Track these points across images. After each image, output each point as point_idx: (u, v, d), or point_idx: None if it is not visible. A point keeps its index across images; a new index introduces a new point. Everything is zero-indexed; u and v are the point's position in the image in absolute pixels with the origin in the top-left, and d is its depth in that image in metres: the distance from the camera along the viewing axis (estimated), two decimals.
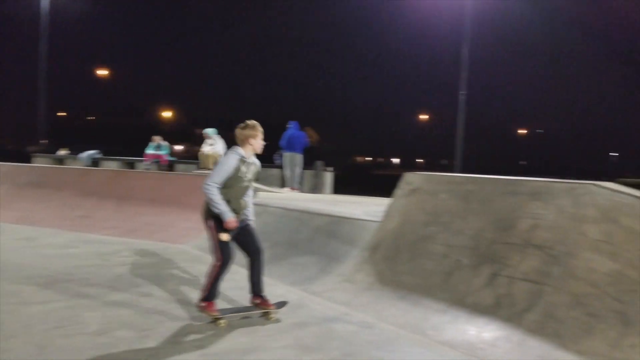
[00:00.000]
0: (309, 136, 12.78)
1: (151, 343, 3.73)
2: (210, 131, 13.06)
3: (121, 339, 3.78)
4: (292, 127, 12.54)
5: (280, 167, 13.08)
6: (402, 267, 5.10)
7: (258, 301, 4.35)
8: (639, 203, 3.93)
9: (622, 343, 3.33)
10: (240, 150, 4.18)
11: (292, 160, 12.46)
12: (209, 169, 12.49)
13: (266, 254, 6.56)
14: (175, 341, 3.78)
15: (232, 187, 4.10)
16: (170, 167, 15.03)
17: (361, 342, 3.88)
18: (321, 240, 6.42)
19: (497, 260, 4.41)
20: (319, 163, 13.38)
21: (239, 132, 4.22)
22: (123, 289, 5.17)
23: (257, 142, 4.23)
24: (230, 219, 4.02)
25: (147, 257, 6.81)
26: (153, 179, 10.19)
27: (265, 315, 4.35)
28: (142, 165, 15.10)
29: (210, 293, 4.10)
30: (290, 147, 12.46)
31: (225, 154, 4.21)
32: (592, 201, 4.17)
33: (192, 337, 3.89)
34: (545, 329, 3.68)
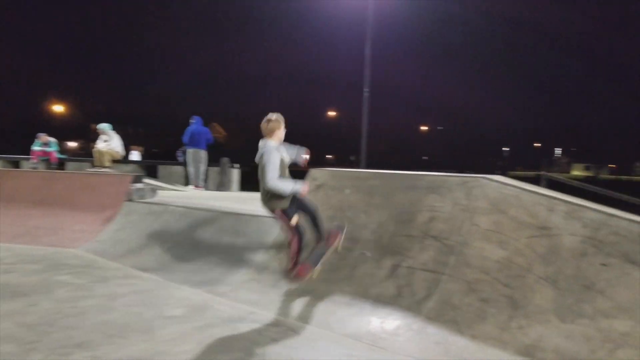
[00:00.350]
0: (215, 132, 12.49)
1: (37, 356, 3.40)
2: (104, 126, 12.30)
3: (2, 354, 3.41)
4: (195, 123, 12.17)
5: (183, 164, 12.65)
6: None
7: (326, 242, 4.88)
8: (524, 195, 4.25)
9: (511, 325, 3.58)
10: (271, 142, 4.59)
11: (196, 157, 12.09)
12: (104, 167, 11.77)
13: (167, 256, 6.35)
14: (64, 352, 3.49)
15: (283, 176, 4.56)
16: (61, 165, 13.96)
17: (267, 341, 3.83)
18: (227, 239, 6.27)
19: (398, 252, 4.57)
20: (225, 160, 13.12)
21: (264, 126, 4.64)
22: (5, 300, 4.68)
23: (282, 132, 4.69)
24: (302, 187, 4.55)
25: (34, 264, 6.23)
26: (40, 179, 9.33)
27: (335, 250, 4.82)
28: (29, 164, 13.89)
29: (297, 261, 4.58)
30: (194, 143, 12.08)
31: (265, 151, 4.53)
32: (482, 194, 4.45)
33: (85, 347, 3.61)
34: (443, 315, 3.86)
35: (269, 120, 4.63)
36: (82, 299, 4.81)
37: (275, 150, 4.53)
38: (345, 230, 4.98)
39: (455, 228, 4.36)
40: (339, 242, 4.85)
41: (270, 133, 4.63)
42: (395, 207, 4.99)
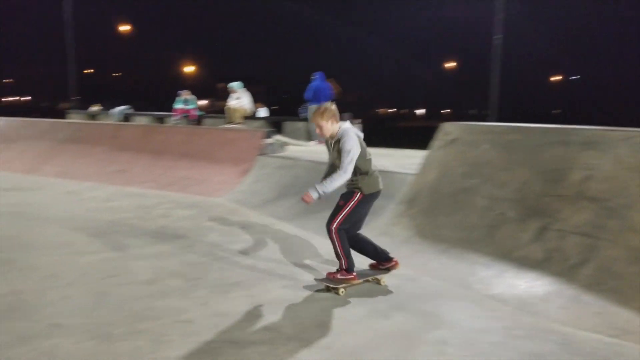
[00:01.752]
0: (333, 88, 12.52)
1: (201, 291, 3.80)
2: (235, 85, 12.89)
3: (172, 287, 3.88)
4: (317, 79, 12.24)
5: (305, 120, 12.88)
6: (442, 220, 4.98)
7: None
8: None
9: None
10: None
11: None
12: (236, 123, 12.42)
13: (300, 207, 6.57)
14: (224, 290, 3.84)
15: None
16: (198, 121, 14.96)
17: (406, 295, 3.83)
18: None
19: (546, 214, 4.24)
20: (346, 115, 13.13)
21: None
22: (168, 240, 5.26)
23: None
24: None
25: (186, 210, 6.87)
26: (184, 134, 10.16)
27: None
28: (172, 120, 15.07)
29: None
30: (316, 99, 12.18)
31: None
32: None
33: (240, 286, 3.93)
34: (602, 284, 3.54)
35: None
36: (230, 243, 5.22)
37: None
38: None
39: (618, 189, 3.90)
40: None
41: None
42: (541, 164, 4.59)
